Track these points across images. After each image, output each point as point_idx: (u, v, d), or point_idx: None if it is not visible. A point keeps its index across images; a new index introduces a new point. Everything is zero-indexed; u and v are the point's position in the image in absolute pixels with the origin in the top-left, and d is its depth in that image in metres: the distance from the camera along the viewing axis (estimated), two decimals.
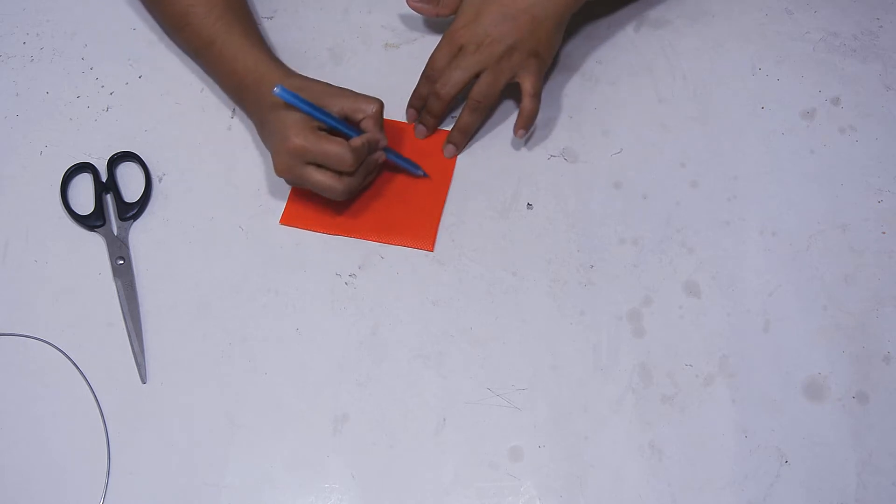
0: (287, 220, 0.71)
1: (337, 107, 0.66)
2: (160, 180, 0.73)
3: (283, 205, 0.72)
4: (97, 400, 0.65)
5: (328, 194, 0.67)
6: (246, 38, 0.70)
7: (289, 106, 0.65)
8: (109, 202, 0.72)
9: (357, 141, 0.65)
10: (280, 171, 0.66)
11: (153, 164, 0.73)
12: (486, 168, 0.73)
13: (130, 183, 0.73)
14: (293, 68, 0.77)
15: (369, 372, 0.67)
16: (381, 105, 0.67)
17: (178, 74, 0.77)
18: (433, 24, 0.80)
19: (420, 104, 0.74)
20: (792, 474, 0.64)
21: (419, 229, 0.71)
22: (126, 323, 0.67)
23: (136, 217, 0.72)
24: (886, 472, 0.64)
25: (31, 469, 0.63)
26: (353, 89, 0.76)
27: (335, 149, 0.64)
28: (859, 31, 0.80)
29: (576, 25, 0.79)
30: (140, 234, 0.71)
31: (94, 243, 0.71)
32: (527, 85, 0.71)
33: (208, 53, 0.71)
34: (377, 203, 0.72)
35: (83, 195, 0.72)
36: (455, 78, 0.70)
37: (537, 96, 0.71)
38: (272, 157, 0.67)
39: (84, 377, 0.66)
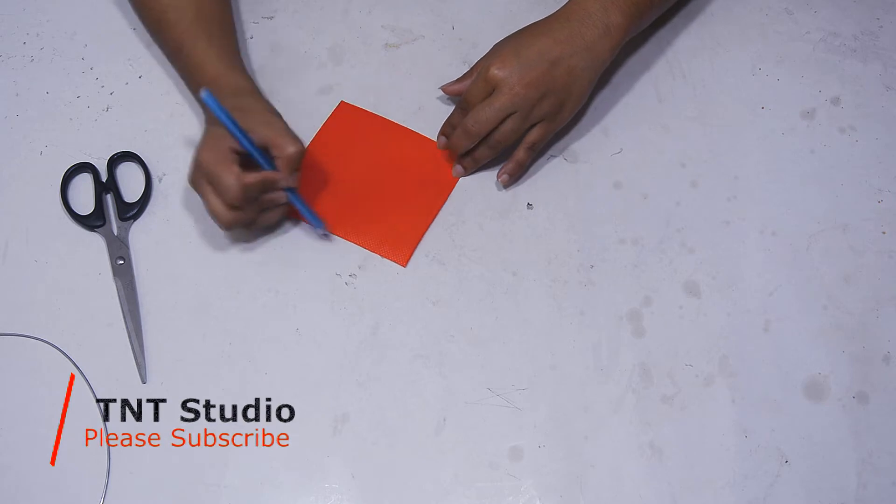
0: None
1: (259, 135, 0.64)
2: (160, 180, 0.73)
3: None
4: (97, 400, 0.65)
5: (214, 220, 0.66)
6: (212, 47, 0.69)
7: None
8: (109, 202, 0.72)
9: (250, 177, 0.63)
10: (189, 178, 0.66)
11: (153, 164, 0.73)
12: (487, 168, 0.73)
13: (130, 183, 0.73)
14: (293, 68, 0.77)
15: (369, 372, 0.67)
16: (301, 151, 0.65)
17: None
18: (433, 25, 0.80)
19: (451, 132, 0.72)
20: (792, 474, 0.64)
21: (398, 242, 0.71)
22: (126, 323, 0.67)
23: (136, 217, 0.72)
24: (886, 472, 0.64)
25: (32, 469, 0.63)
26: (353, 90, 0.77)
27: (225, 176, 0.62)
28: (859, 31, 0.80)
29: None
30: (140, 234, 0.71)
31: (94, 243, 0.71)
32: (532, 136, 0.70)
33: (177, 59, 0.72)
34: (369, 206, 0.72)
35: (83, 195, 0.72)
36: (486, 117, 0.68)
37: (534, 150, 0.71)
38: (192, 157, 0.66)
39: (84, 377, 0.66)
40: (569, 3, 0.70)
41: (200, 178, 0.65)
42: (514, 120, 0.68)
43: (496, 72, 0.67)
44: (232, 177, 0.62)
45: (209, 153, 0.63)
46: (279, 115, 0.68)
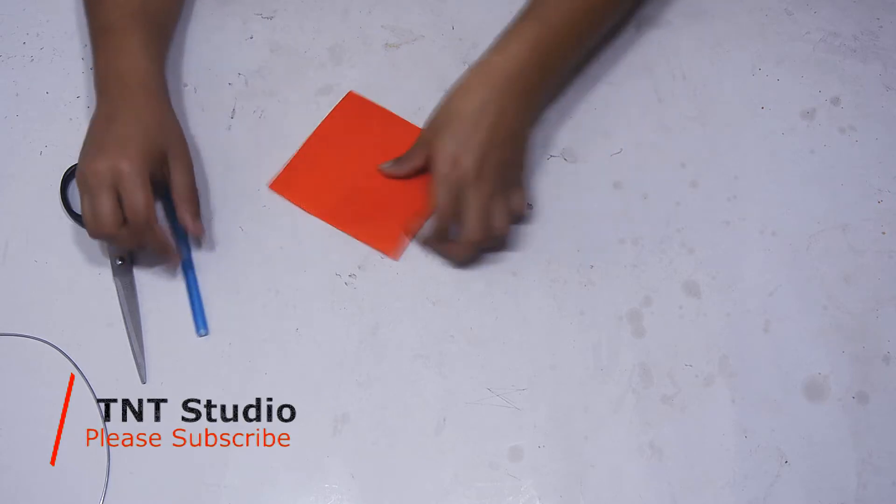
0: (276, 186, 0.72)
1: (173, 180, 0.66)
2: None
3: (283, 206, 0.72)
4: (97, 400, 0.65)
5: (92, 225, 0.64)
6: (146, 42, 0.68)
7: (150, 131, 0.65)
8: None
9: (158, 225, 0.64)
10: (88, 171, 0.63)
11: None
12: None
13: None
14: (293, 68, 0.77)
15: (369, 372, 0.67)
16: (197, 233, 0.68)
17: (177, 75, 0.77)
18: (433, 25, 0.80)
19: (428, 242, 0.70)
20: (792, 474, 0.64)
21: (392, 236, 0.70)
22: (126, 323, 0.67)
23: None
24: (886, 472, 0.64)
25: (32, 469, 0.63)
26: (354, 89, 0.77)
27: (138, 196, 0.63)
28: (859, 31, 0.80)
29: None
30: None
31: (94, 243, 0.71)
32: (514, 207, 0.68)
33: (102, 37, 0.69)
34: (367, 198, 0.72)
35: None
36: (480, 226, 0.66)
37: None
38: (89, 148, 0.65)
39: (84, 377, 0.66)
40: (463, 90, 0.68)
41: (101, 182, 0.62)
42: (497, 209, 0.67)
43: (458, 178, 0.65)
44: (143, 199, 0.63)
45: (128, 162, 0.62)
46: (181, 133, 0.69)
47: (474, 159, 0.64)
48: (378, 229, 0.71)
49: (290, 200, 0.72)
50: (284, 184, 0.72)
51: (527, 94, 0.68)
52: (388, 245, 0.70)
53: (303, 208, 0.72)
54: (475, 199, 0.65)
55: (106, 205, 0.63)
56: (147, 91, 0.67)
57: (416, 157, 0.70)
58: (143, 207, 0.63)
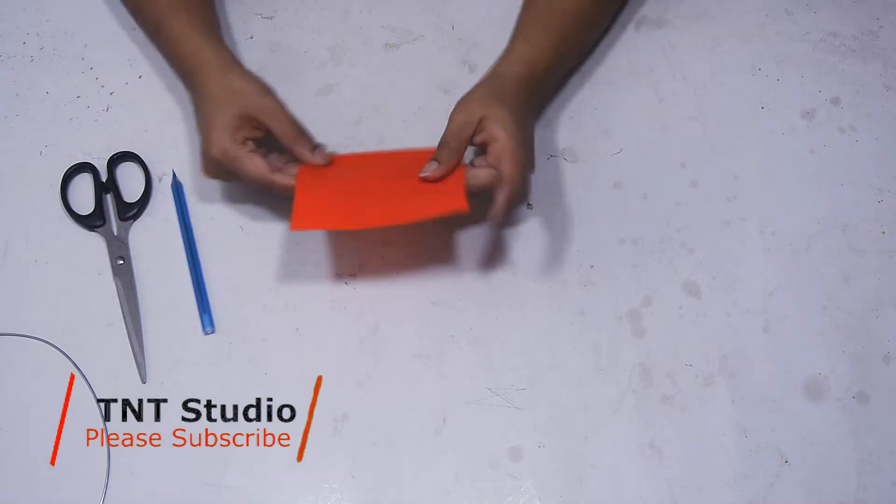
0: (299, 224, 0.63)
1: (275, 129, 0.66)
2: (160, 180, 0.73)
3: (283, 206, 0.71)
4: (97, 400, 0.65)
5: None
6: (189, 24, 0.69)
7: (221, 106, 0.65)
8: (109, 202, 0.72)
9: (278, 177, 0.65)
10: (203, 172, 0.68)
11: (153, 164, 0.73)
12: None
13: (130, 183, 0.73)
14: (293, 68, 0.77)
15: (369, 372, 0.67)
16: (319, 153, 0.67)
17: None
18: (433, 25, 0.80)
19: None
20: (792, 474, 0.64)
21: (446, 191, 0.63)
22: (126, 323, 0.67)
23: (136, 217, 0.72)
24: (886, 472, 0.64)
25: (32, 469, 0.63)
26: (353, 89, 0.77)
27: (250, 171, 0.65)
28: (859, 31, 0.80)
29: None
30: (140, 234, 0.71)
31: (94, 243, 0.71)
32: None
33: (157, 39, 0.72)
34: (392, 185, 0.65)
35: (83, 195, 0.72)
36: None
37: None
38: (200, 151, 0.67)
39: (84, 377, 0.66)
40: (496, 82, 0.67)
41: (220, 172, 0.67)
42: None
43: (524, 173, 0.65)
44: (245, 170, 0.65)
45: (221, 147, 0.65)
46: (270, 89, 0.68)
47: (532, 147, 0.67)
48: (430, 196, 0.64)
49: (322, 229, 0.70)
50: (305, 218, 0.63)
51: (537, 96, 0.70)
52: (452, 200, 0.63)
53: (340, 228, 0.69)
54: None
55: (244, 180, 0.66)
56: (205, 69, 0.67)
57: (465, 131, 0.65)
58: (253, 177, 0.65)
